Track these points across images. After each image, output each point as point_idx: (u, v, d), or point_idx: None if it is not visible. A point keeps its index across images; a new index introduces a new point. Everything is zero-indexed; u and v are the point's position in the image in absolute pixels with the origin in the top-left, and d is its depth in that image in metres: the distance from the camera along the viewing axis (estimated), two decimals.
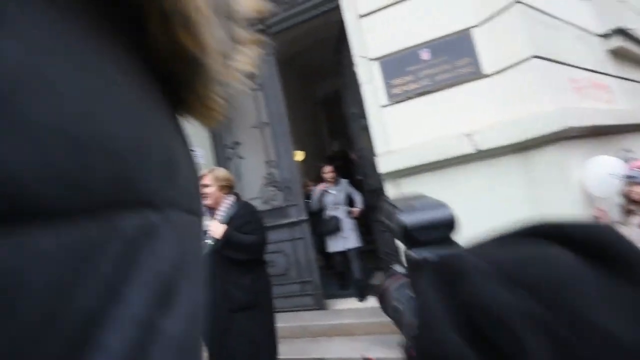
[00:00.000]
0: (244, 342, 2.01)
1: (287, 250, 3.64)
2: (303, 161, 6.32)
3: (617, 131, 2.67)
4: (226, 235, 1.89)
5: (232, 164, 3.89)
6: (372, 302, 3.36)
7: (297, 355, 2.97)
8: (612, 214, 2.16)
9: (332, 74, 5.11)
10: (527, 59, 2.24)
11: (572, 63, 2.53)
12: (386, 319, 0.43)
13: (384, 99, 2.69)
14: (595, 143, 2.43)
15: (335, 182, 3.85)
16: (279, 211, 3.67)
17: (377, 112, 2.72)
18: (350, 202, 3.85)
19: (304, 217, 3.56)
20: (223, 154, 3.94)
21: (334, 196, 3.77)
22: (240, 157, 3.87)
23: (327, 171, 3.85)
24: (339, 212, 3.69)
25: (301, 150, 6.36)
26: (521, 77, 2.27)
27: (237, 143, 3.87)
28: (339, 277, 4.11)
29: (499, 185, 2.38)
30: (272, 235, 3.39)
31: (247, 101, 3.88)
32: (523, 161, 2.32)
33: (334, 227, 3.59)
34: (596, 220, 2.12)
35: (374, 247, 3.78)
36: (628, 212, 2.05)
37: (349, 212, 3.77)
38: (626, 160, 2.62)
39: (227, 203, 1.99)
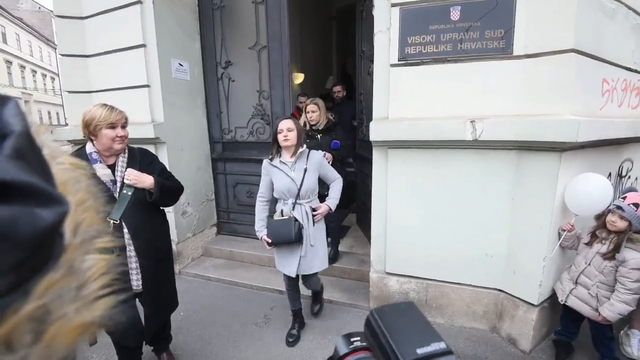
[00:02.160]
0: (172, 289, 2.14)
1: None
2: (303, 83, 5.93)
3: (628, 141, 2.51)
4: (158, 183, 1.83)
5: (221, 85, 3.60)
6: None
7: (261, 283, 3.23)
8: (580, 232, 2.17)
9: None
10: (565, 51, 1.93)
11: (613, 60, 2.22)
12: None
13: (394, 56, 2.37)
14: (598, 154, 2.29)
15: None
16: (265, 145, 3.54)
17: (383, 70, 2.43)
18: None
19: None
20: (214, 72, 3.60)
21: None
22: (232, 80, 3.55)
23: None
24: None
25: (304, 71, 5.91)
26: (552, 71, 2.00)
27: (229, 62, 3.51)
28: None
29: (486, 177, 2.30)
30: (255, 168, 3.36)
31: (248, 14, 3.40)
32: (517, 160, 2.20)
33: (292, 235, 2.20)
34: (561, 234, 2.13)
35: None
36: (595, 237, 2.06)
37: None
38: (624, 176, 2.53)
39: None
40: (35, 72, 29.28)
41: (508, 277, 2.39)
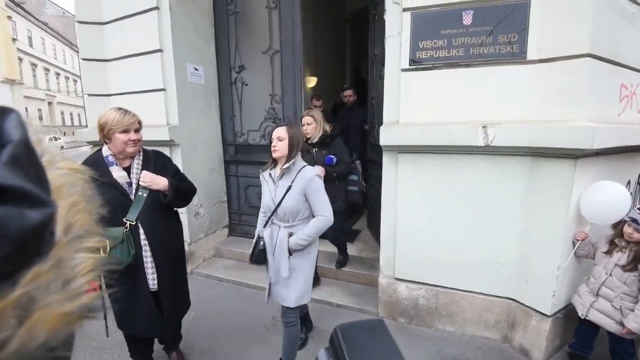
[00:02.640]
0: (186, 288, 2.18)
1: None
2: (316, 87, 5.95)
3: None
4: (172, 185, 1.87)
5: (235, 89, 3.66)
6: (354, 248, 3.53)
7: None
8: (596, 241, 2.10)
9: None
10: (580, 56, 1.89)
11: (631, 65, 2.16)
12: None
13: (405, 60, 2.36)
14: (615, 161, 2.23)
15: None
16: None
17: (394, 74, 2.43)
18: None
19: None
20: (228, 76, 3.66)
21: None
22: (245, 84, 3.61)
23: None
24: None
25: (317, 75, 5.93)
26: (568, 77, 1.96)
27: (242, 67, 3.56)
28: None
29: (499, 183, 2.27)
30: None
31: (261, 19, 3.45)
32: (530, 166, 2.16)
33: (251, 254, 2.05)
34: (575, 242, 2.07)
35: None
36: (614, 245, 1.99)
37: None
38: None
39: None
40: (59, 74, 30.38)
41: (520, 286, 2.34)
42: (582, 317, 2.06)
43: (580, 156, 1.96)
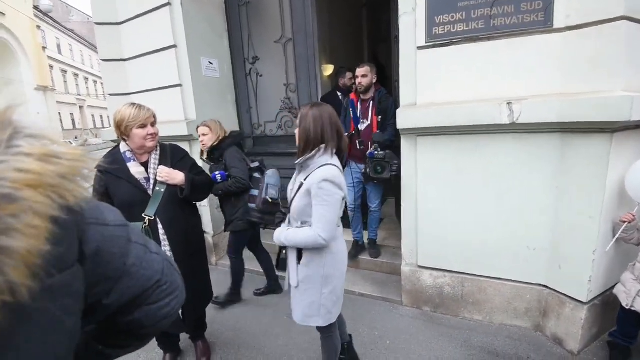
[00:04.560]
0: (207, 281, 2.20)
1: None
2: (332, 75, 5.84)
3: None
4: (188, 179, 1.87)
5: (250, 81, 3.65)
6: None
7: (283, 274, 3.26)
8: None
9: None
10: (614, 19, 1.72)
11: None
12: None
13: (422, 38, 2.25)
14: None
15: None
16: (294, 139, 3.54)
17: (410, 53, 2.32)
18: None
19: None
20: (243, 68, 3.65)
21: None
22: (259, 75, 3.58)
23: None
24: None
25: (334, 62, 5.81)
26: (599, 43, 1.79)
27: (256, 58, 3.54)
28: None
29: (526, 163, 2.13)
30: (284, 162, 3.38)
31: (273, 7, 3.40)
32: (560, 144, 2.01)
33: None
34: (621, 225, 1.92)
35: None
36: None
37: None
38: None
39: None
40: (87, 79, 31.74)
41: (553, 272, 2.21)
42: (627, 307, 1.88)
43: (617, 130, 1.80)
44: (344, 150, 1.64)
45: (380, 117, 2.88)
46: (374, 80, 2.90)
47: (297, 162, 1.58)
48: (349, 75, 3.61)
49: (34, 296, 0.40)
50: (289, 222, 1.69)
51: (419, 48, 2.26)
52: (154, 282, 0.67)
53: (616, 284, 2.00)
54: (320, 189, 1.48)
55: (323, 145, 1.53)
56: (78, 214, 0.51)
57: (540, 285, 2.29)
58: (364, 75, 2.85)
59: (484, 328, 2.42)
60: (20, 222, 0.37)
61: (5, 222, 0.36)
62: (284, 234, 1.64)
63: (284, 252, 1.77)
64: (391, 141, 2.81)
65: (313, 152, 1.53)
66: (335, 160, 1.58)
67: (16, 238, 0.37)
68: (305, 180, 1.55)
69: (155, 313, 0.68)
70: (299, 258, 1.63)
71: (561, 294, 2.18)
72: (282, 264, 1.80)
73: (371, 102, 2.93)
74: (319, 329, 1.75)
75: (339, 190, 1.51)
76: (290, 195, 1.67)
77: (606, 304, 2.15)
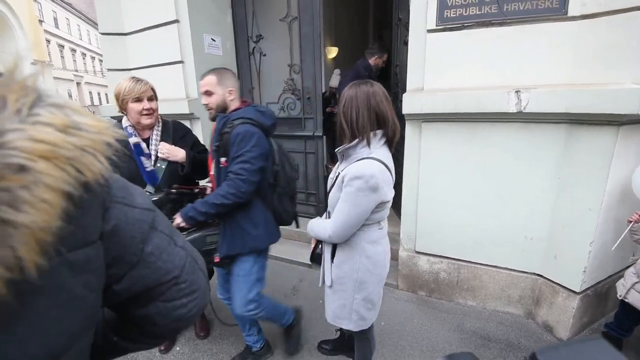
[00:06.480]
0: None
1: (297, 160, 3.64)
2: (337, 57, 5.76)
3: None
4: (189, 157, 1.86)
5: (253, 60, 3.58)
6: None
7: (290, 257, 3.29)
8: None
9: None
10: (630, 10, 1.69)
11: None
12: None
13: (432, 20, 2.20)
14: None
15: None
16: (295, 121, 3.52)
17: (419, 37, 2.28)
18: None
19: (319, 132, 3.43)
20: (246, 46, 3.58)
21: None
22: (263, 54, 3.51)
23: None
24: None
25: (338, 45, 5.73)
26: (612, 34, 1.76)
27: (260, 36, 3.46)
28: None
29: (531, 153, 2.13)
30: (286, 144, 3.35)
31: None
32: (565, 135, 2.00)
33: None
34: (628, 225, 1.89)
35: None
36: None
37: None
38: None
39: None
40: (85, 55, 31.08)
41: (548, 262, 2.24)
42: (620, 298, 1.92)
43: (625, 122, 1.79)
44: (389, 138, 1.40)
45: None
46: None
47: (336, 150, 1.44)
48: (385, 56, 3.64)
49: (48, 272, 0.38)
50: (328, 214, 1.56)
51: (429, 31, 2.22)
52: (171, 277, 0.61)
53: (610, 276, 2.03)
54: (349, 186, 1.32)
55: (377, 137, 1.36)
56: (104, 190, 0.49)
57: (534, 274, 2.33)
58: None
59: (477, 313, 2.47)
60: (31, 194, 0.35)
61: (15, 194, 0.34)
62: (311, 222, 1.56)
63: (320, 246, 1.67)
64: None
65: (354, 141, 1.35)
66: (381, 152, 1.36)
67: (26, 212, 0.35)
68: (342, 171, 1.38)
69: (169, 312, 0.63)
70: (333, 256, 1.52)
71: (555, 283, 2.22)
72: (317, 258, 1.71)
73: None
74: (355, 335, 1.68)
75: (371, 192, 1.30)
76: (329, 184, 1.52)
77: (598, 295, 2.19)
